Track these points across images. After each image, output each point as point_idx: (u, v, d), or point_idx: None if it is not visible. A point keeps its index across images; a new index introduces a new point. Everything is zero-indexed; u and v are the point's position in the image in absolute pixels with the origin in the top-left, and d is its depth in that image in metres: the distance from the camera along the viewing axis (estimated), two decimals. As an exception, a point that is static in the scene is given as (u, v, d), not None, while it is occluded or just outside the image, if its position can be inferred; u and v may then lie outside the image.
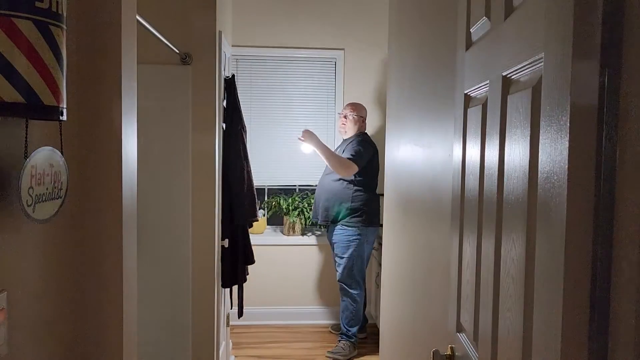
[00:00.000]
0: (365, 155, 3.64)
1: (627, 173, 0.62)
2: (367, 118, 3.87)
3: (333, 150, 3.71)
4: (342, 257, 3.65)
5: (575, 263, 0.64)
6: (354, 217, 3.65)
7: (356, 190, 3.66)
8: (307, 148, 3.68)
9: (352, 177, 3.62)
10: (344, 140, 3.80)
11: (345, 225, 3.65)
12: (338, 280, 3.71)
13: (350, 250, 3.64)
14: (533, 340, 0.76)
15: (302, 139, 3.62)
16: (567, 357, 0.64)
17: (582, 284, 0.64)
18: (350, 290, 3.66)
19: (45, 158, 0.98)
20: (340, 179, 3.63)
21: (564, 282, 0.64)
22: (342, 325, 3.72)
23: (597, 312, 0.65)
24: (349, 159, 3.57)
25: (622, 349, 0.62)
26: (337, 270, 3.72)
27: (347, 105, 3.84)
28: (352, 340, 3.69)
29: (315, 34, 4.16)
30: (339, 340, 3.71)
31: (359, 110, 3.79)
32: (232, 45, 3.83)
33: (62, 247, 1.22)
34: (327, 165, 3.68)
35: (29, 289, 1.07)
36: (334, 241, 3.72)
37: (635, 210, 0.59)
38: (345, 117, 3.76)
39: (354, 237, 3.64)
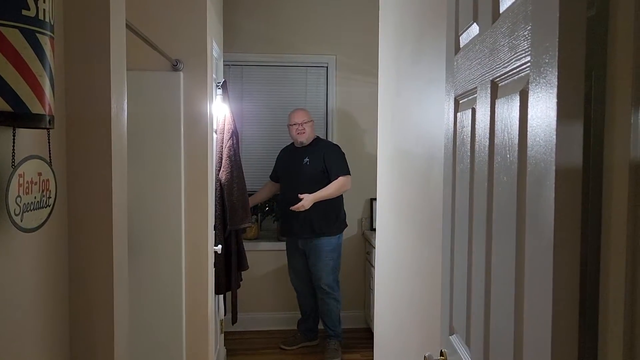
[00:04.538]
0: (344, 159, 3.69)
1: (613, 174, 0.63)
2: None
3: (323, 191, 3.59)
4: (330, 261, 3.64)
5: (564, 262, 0.64)
6: (337, 222, 3.70)
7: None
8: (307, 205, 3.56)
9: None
10: (301, 147, 3.68)
11: (331, 234, 3.67)
12: (323, 284, 3.65)
13: (336, 254, 3.69)
14: (524, 341, 0.76)
15: (301, 208, 3.50)
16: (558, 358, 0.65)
17: (572, 284, 0.64)
18: (334, 293, 3.68)
19: (33, 166, 0.98)
20: (325, 184, 3.60)
21: (553, 280, 0.65)
22: (328, 328, 3.70)
23: (587, 312, 0.65)
24: (342, 175, 3.59)
25: (611, 350, 0.62)
26: (318, 276, 3.65)
27: (298, 112, 3.69)
28: (340, 338, 3.72)
29: (306, 40, 4.16)
30: (330, 342, 3.67)
31: (309, 114, 3.74)
32: (224, 52, 3.83)
33: (52, 256, 1.21)
34: (301, 172, 3.64)
35: (18, 297, 1.06)
36: (325, 249, 3.64)
37: (622, 213, 0.60)
38: (300, 125, 3.63)
39: (339, 241, 3.72)
